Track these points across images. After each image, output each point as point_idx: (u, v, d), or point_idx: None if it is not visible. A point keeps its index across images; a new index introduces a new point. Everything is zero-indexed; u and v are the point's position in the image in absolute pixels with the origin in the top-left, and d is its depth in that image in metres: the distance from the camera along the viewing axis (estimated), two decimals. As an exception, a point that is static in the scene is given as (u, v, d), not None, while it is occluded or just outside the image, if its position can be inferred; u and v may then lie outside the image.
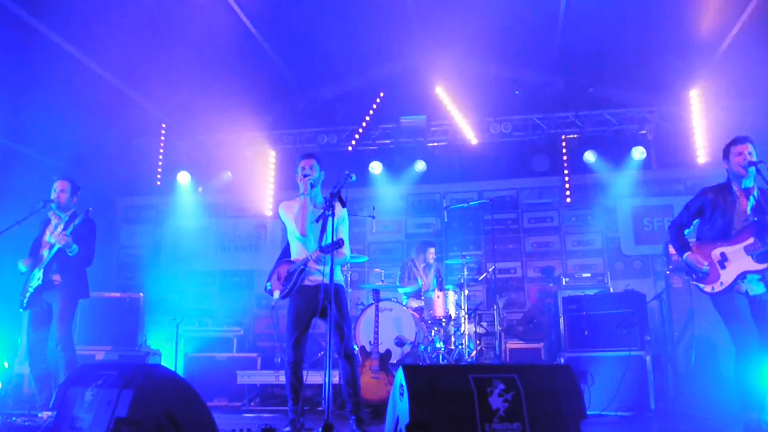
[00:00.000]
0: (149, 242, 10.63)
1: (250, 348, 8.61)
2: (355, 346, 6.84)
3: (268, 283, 4.94)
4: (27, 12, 7.17)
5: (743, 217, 4.46)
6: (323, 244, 4.62)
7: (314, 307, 4.63)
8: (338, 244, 4.52)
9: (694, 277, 4.56)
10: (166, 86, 8.70)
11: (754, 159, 4.43)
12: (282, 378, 7.08)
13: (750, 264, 4.35)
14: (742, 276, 4.37)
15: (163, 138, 10.32)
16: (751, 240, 4.37)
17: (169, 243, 10.50)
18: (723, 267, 4.43)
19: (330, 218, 4.50)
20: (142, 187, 10.42)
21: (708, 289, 4.47)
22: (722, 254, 4.45)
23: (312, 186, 4.79)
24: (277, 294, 4.79)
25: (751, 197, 4.49)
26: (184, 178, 10.16)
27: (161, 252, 10.50)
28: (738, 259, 4.39)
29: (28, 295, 5.47)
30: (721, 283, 4.41)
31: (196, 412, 3.06)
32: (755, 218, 4.42)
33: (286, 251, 5.02)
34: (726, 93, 8.81)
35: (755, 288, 4.40)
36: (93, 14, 7.09)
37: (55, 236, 5.43)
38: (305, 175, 4.79)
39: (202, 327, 8.43)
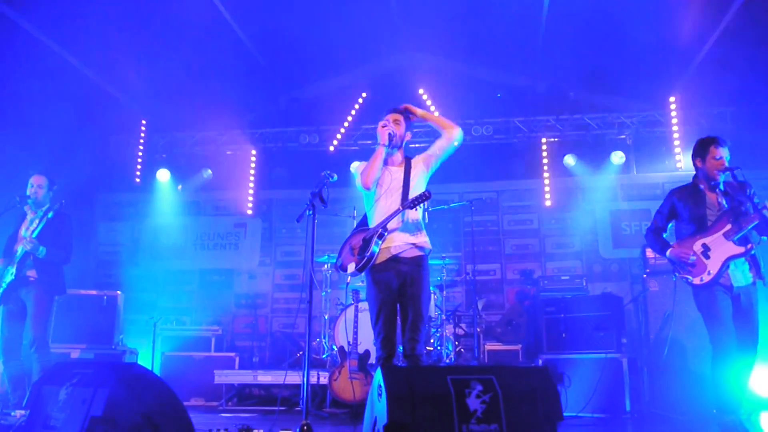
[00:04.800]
0: (127, 240, 10.52)
1: (228, 347, 8.55)
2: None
3: (339, 259, 4.39)
4: (5, 4, 7.07)
5: (715, 208, 4.53)
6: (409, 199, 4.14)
7: (397, 290, 4.13)
8: (424, 196, 4.11)
9: (681, 270, 4.57)
10: (146, 82, 8.63)
11: (727, 165, 4.50)
12: (260, 378, 7.07)
13: (733, 248, 4.39)
14: (727, 263, 4.39)
15: (142, 134, 10.24)
16: (728, 226, 4.42)
17: (147, 241, 10.41)
18: (707, 257, 4.44)
19: (312, 216, 4.43)
20: (121, 184, 10.32)
21: (697, 280, 4.47)
22: (704, 245, 4.48)
23: (391, 138, 4.29)
24: (352, 267, 4.19)
25: (717, 189, 4.57)
26: (163, 175, 10.08)
27: (139, 250, 10.40)
28: (720, 246, 4.42)
29: (1, 291, 5.40)
30: (709, 272, 4.42)
31: (173, 412, 3.03)
32: (726, 205, 4.49)
33: (362, 223, 4.46)
34: (704, 100, 8.93)
35: (740, 278, 4.43)
36: (72, 8, 7.00)
37: (29, 232, 5.37)
38: (384, 126, 4.34)
39: (180, 326, 8.37)
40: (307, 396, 4.21)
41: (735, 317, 4.39)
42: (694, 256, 4.48)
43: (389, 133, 4.30)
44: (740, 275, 4.44)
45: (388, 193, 4.28)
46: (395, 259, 4.17)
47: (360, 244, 4.23)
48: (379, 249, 4.13)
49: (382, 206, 4.26)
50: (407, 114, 4.48)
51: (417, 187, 4.29)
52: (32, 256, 5.36)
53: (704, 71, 8.30)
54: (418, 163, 4.42)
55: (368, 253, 4.10)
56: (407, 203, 4.13)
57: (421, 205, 4.21)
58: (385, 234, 4.15)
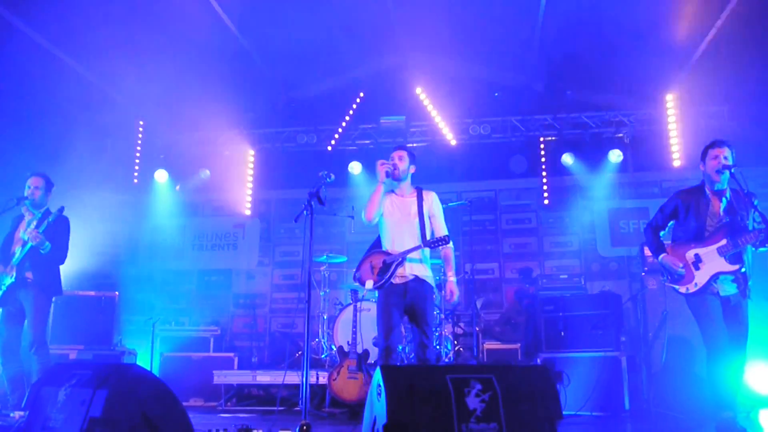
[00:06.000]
0: (126, 240, 10.51)
1: (226, 348, 8.55)
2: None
3: (358, 273, 4.90)
4: (2, 6, 7.05)
5: (716, 218, 4.55)
6: (428, 238, 4.73)
7: (404, 304, 4.69)
8: (444, 240, 4.66)
9: (669, 278, 4.65)
10: (143, 83, 8.61)
11: (729, 163, 4.51)
12: (259, 378, 7.08)
13: (723, 265, 4.44)
14: (715, 277, 4.45)
15: (140, 135, 10.22)
16: (723, 241, 4.45)
17: (145, 241, 10.40)
18: (697, 268, 4.51)
19: (309, 216, 4.55)
20: (119, 185, 10.29)
21: (683, 290, 4.55)
22: (696, 255, 4.53)
23: (391, 176, 4.82)
24: (370, 284, 4.74)
25: (724, 199, 4.58)
26: (161, 176, 10.06)
27: (138, 250, 10.39)
28: (711, 261, 4.47)
29: (0, 293, 5.39)
30: (696, 284, 4.49)
31: (172, 412, 3.03)
32: (727, 219, 4.51)
33: (377, 242, 4.99)
34: (701, 97, 8.93)
35: (727, 289, 4.48)
36: (69, 10, 6.99)
37: (28, 233, 5.36)
38: (383, 163, 4.83)
39: (179, 326, 8.36)
40: (306, 396, 4.22)
41: (725, 318, 4.43)
42: (683, 268, 4.54)
43: (386, 171, 4.78)
44: (727, 287, 4.49)
45: (402, 221, 4.82)
46: (406, 284, 4.71)
47: (380, 266, 4.75)
48: (396, 275, 4.69)
49: (397, 232, 4.81)
50: (412, 155, 4.99)
51: (426, 222, 4.87)
52: (29, 260, 5.37)
53: (701, 69, 8.29)
54: (428, 201, 4.92)
55: (387, 276, 4.66)
56: (428, 242, 4.71)
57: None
58: (404, 263, 4.69)
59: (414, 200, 4.88)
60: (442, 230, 4.85)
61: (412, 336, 4.83)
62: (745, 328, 4.45)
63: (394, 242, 4.80)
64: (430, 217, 4.88)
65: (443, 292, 4.92)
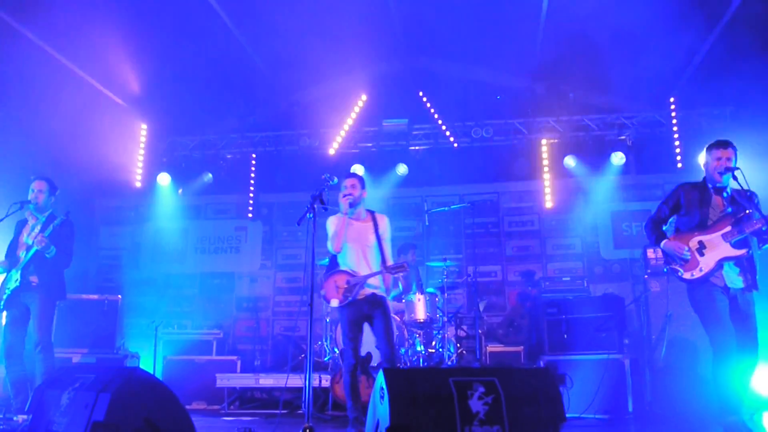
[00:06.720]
0: (128, 244, 10.53)
1: (229, 351, 8.55)
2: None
3: (323, 291, 5.21)
4: (6, 12, 7.07)
5: (719, 209, 4.55)
6: (387, 264, 5.06)
7: (365, 316, 5.11)
8: (404, 268, 5.01)
9: (674, 262, 4.59)
10: (146, 87, 8.63)
11: (732, 165, 4.50)
12: (262, 381, 7.09)
13: (728, 250, 4.41)
14: (720, 264, 4.42)
15: (143, 139, 10.24)
16: (728, 228, 4.44)
17: (148, 245, 10.41)
18: (701, 254, 4.47)
19: (312, 219, 4.67)
20: (122, 189, 10.31)
21: (687, 275, 4.51)
22: (700, 242, 4.50)
23: (351, 205, 5.09)
24: (335, 303, 5.08)
25: (725, 193, 4.59)
26: (164, 179, 10.08)
27: (140, 254, 10.41)
28: (716, 247, 4.44)
29: (5, 296, 5.41)
30: (701, 269, 4.45)
31: (175, 416, 3.03)
32: (730, 209, 4.50)
33: (333, 262, 5.36)
34: (703, 100, 8.92)
35: (733, 281, 4.44)
36: (73, 15, 7.01)
37: (32, 238, 5.37)
38: (345, 195, 5.11)
39: (182, 330, 8.36)
40: (310, 399, 4.23)
41: (733, 318, 4.39)
42: (688, 251, 4.50)
43: (350, 202, 5.08)
44: (733, 278, 4.45)
45: (358, 244, 5.11)
46: (365, 298, 5.09)
47: (345, 286, 5.05)
48: (359, 294, 5.04)
49: (358, 256, 5.11)
50: (362, 180, 5.26)
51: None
52: (33, 264, 5.37)
53: (703, 71, 8.29)
54: (382, 226, 5.22)
55: (351, 297, 5.00)
56: (390, 269, 5.00)
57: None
58: (365, 286, 5.05)
59: (370, 225, 5.20)
60: (389, 252, 5.20)
61: (377, 336, 5.13)
62: (755, 328, 4.41)
63: (355, 265, 5.11)
64: (381, 241, 5.23)
65: None
